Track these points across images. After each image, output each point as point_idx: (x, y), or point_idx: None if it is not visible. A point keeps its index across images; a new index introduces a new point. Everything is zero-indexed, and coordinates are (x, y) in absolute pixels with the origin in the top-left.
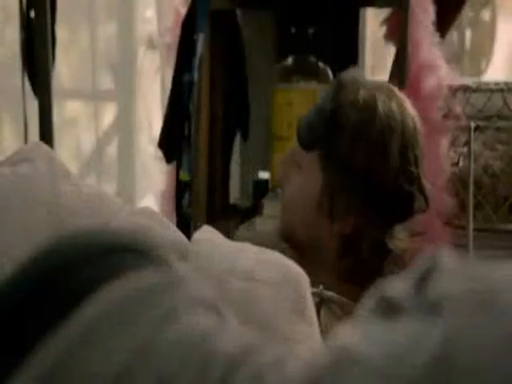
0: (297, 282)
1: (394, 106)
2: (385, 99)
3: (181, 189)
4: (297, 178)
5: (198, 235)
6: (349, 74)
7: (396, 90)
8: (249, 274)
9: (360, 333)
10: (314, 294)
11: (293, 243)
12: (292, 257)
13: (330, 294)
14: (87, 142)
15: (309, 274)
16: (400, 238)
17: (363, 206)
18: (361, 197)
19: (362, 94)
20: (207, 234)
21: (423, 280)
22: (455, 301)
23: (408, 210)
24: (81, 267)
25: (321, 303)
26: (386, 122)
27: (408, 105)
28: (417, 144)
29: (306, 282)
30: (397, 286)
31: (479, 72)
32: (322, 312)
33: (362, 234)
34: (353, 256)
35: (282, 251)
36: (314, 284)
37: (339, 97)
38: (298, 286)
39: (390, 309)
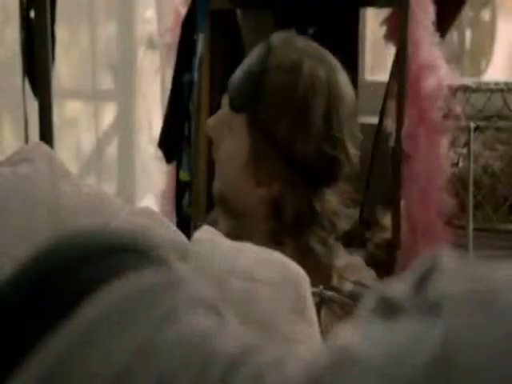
0: (297, 281)
1: (321, 71)
2: (312, 64)
3: (181, 189)
4: (227, 141)
5: (198, 235)
6: (280, 36)
7: (330, 56)
8: (249, 274)
9: (360, 333)
10: (314, 293)
11: (226, 208)
12: (227, 222)
13: (330, 293)
14: (87, 141)
15: (242, 238)
16: (329, 201)
17: (288, 171)
18: (285, 161)
19: (290, 57)
20: (207, 234)
21: (423, 280)
22: (455, 301)
23: (333, 174)
24: (81, 267)
25: (321, 303)
26: (310, 87)
27: (340, 73)
28: (342, 109)
29: (306, 282)
30: (397, 286)
31: (479, 72)
32: (323, 312)
33: (287, 198)
34: (280, 219)
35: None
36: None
37: (267, 59)
38: (298, 286)
39: (390, 309)
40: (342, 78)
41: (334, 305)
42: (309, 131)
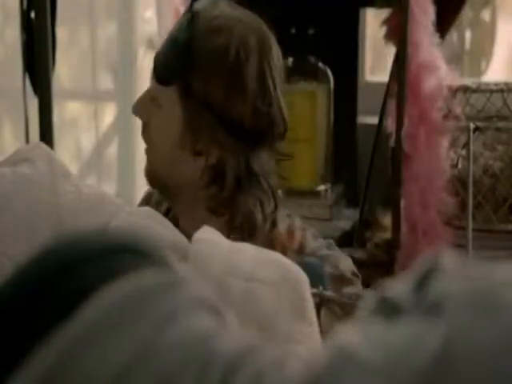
0: (296, 282)
1: (249, 31)
2: (240, 25)
3: None
4: (158, 118)
5: (198, 235)
6: (203, 2)
7: (255, 17)
8: (248, 274)
9: (360, 333)
10: (313, 294)
11: (160, 186)
12: (166, 199)
13: (329, 294)
14: (87, 142)
15: (182, 213)
16: (265, 161)
17: (225, 135)
18: (222, 126)
19: (217, 21)
20: (207, 234)
21: (424, 281)
22: (455, 301)
23: (268, 133)
24: (81, 268)
25: (321, 303)
26: (241, 47)
27: (266, 32)
28: (274, 68)
29: (305, 282)
30: (397, 286)
31: (479, 72)
32: (322, 312)
33: (227, 163)
34: (220, 186)
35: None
36: (186, 223)
37: (193, 26)
38: (298, 286)
39: (390, 309)
40: (269, 36)
41: (334, 305)
42: (244, 93)
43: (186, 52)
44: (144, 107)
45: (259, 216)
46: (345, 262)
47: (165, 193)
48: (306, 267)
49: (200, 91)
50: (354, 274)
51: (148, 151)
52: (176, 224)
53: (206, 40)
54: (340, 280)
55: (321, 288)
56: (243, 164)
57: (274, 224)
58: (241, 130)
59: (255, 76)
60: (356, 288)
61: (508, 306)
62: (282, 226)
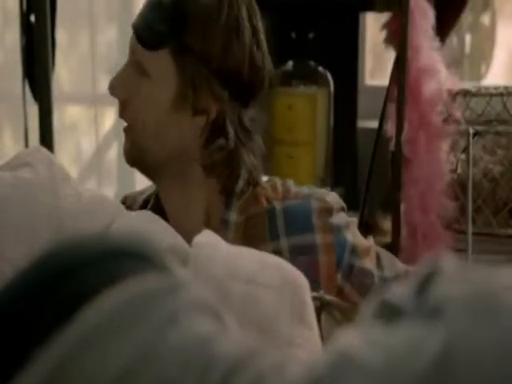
0: (297, 285)
1: None
2: None
3: None
4: (146, 88)
5: (198, 239)
6: None
7: None
8: (249, 278)
9: (361, 337)
10: (314, 298)
11: (144, 165)
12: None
13: (330, 298)
14: (87, 145)
15: (168, 190)
16: (254, 118)
17: (224, 90)
18: (221, 81)
19: None
20: (207, 238)
21: (424, 284)
22: (455, 305)
23: (261, 86)
24: (81, 272)
25: (321, 307)
26: (233, 1)
27: None
28: (259, 19)
29: (306, 286)
30: (398, 290)
31: (479, 76)
32: (323, 316)
33: (226, 117)
34: (224, 139)
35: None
36: (174, 202)
37: None
38: (299, 290)
39: (391, 313)
40: None
41: (335, 309)
42: (242, 44)
43: (177, 11)
44: (123, 84)
45: (253, 171)
46: (331, 196)
47: (149, 172)
48: (291, 210)
49: (197, 48)
50: (341, 208)
51: (130, 128)
52: (160, 211)
53: (208, 23)
54: (328, 211)
55: (320, 292)
56: (238, 119)
57: (257, 180)
58: (238, 83)
59: (249, 28)
60: (344, 217)
61: (508, 310)
62: (263, 182)
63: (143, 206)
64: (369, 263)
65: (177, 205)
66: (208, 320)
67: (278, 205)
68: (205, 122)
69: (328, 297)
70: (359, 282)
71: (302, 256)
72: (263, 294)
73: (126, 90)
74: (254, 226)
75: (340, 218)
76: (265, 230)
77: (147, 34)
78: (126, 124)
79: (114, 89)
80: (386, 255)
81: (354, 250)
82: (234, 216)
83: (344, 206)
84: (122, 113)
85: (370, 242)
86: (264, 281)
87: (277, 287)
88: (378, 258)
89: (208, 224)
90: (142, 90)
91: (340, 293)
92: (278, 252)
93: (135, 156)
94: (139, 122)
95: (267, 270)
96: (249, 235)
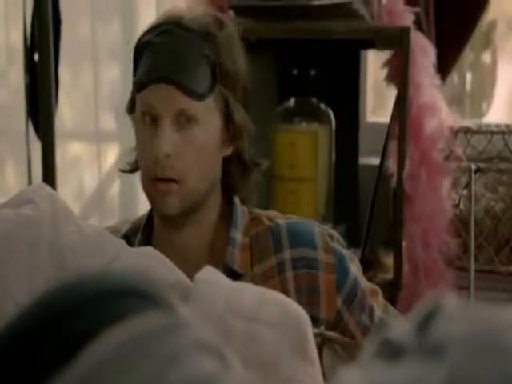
0: (298, 322)
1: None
2: (231, 23)
3: None
4: (197, 134)
5: (199, 275)
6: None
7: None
8: (250, 315)
9: (363, 375)
10: (315, 334)
11: (195, 207)
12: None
13: (331, 333)
14: (90, 182)
15: (198, 229)
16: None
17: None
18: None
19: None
20: (209, 275)
21: (426, 322)
22: (457, 343)
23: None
24: (84, 310)
25: (323, 344)
26: (236, 35)
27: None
28: None
29: (307, 323)
30: (400, 328)
31: (480, 114)
32: (324, 352)
33: (245, 140)
34: (241, 169)
35: None
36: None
37: (210, 39)
38: (300, 327)
39: (392, 351)
40: None
41: (336, 345)
42: (245, 69)
43: (214, 63)
44: (172, 141)
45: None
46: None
47: (195, 211)
48: (294, 226)
49: (231, 90)
50: (342, 243)
51: (179, 181)
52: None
53: (227, 52)
54: (330, 236)
55: (322, 328)
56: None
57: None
58: (248, 96)
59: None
60: (347, 251)
61: (509, 349)
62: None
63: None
64: (372, 302)
65: (192, 232)
66: (210, 359)
67: (280, 221)
68: (230, 151)
69: (329, 333)
70: (359, 316)
71: (303, 268)
72: (265, 331)
73: (173, 144)
74: (259, 243)
75: (342, 248)
76: (268, 245)
77: (195, 86)
78: (167, 180)
79: (165, 148)
80: (392, 309)
81: (357, 284)
82: (240, 235)
83: (344, 243)
84: (167, 170)
85: (378, 289)
86: (265, 318)
87: (278, 324)
88: (386, 306)
89: (214, 243)
90: (192, 138)
91: (339, 318)
92: (281, 263)
93: (186, 207)
94: (191, 172)
95: (268, 306)
96: (254, 253)
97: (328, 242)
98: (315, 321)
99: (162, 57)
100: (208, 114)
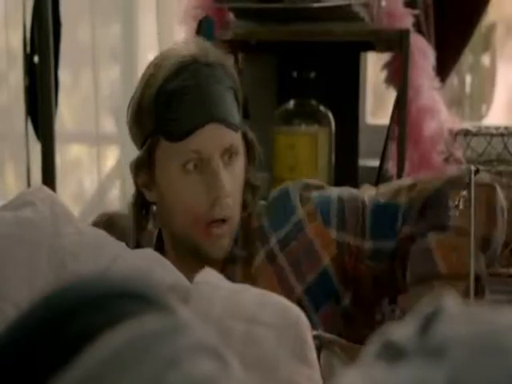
0: (297, 324)
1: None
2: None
3: None
4: (238, 166)
5: (199, 277)
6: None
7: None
8: (250, 317)
9: (364, 377)
10: (313, 337)
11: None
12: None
13: (328, 336)
14: (89, 184)
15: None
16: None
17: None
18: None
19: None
20: (208, 277)
21: (426, 324)
22: (458, 345)
23: None
24: (83, 312)
25: (321, 346)
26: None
27: None
28: None
29: (306, 325)
30: (401, 329)
31: (479, 116)
32: (323, 354)
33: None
34: (247, 190)
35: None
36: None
37: (219, 59)
38: (299, 329)
39: (393, 352)
40: None
41: (334, 347)
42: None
43: (235, 91)
44: (227, 179)
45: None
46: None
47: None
48: (271, 204)
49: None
50: (321, 186)
51: (230, 219)
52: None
53: (237, 78)
54: (306, 188)
55: (319, 330)
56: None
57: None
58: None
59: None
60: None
61: (510, 350)
62: None
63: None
64: (363, 195)
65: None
66: (209, 361)
67: (263, 210)
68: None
69: (327, 335)
70: (354, 225)
71: (292, 242)
72: (264, 333)
73: (229, 183)
74: (250, 249)
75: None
76: (256, 244)
77: (234, 119)
78: (220, 221)
79: (228, 192)
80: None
81: (341, 199)
82: (239, 251)
83: (325, 185)
84: (225, 210)
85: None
86: (265, 320)
87: (277, 326)
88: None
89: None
90: (236, 171)
91: (340, 247)
92: (269, 251)
93: (231, 241)
94: (236, 207)
95: (267, 308)
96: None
97: (303, 194)
98: (324, 273)
99: (200, 98)
100: (240, 143)
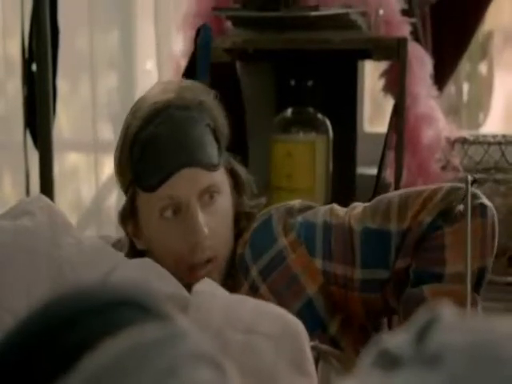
0: (296, 335)
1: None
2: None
3: None
4: (220, 204)
5: (198, 287)
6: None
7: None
8: (249, 327)
9: None
10: (310, 347)
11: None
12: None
13: (325, 347)
14: (87, 192)
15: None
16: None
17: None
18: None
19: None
20: (207, 286)
21: (423, 332)
22: (455, 353)
23: None
24: (82, 321)
25: (318, 357)
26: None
27: None
28: None
29: (305, 335)
30: (397, 338)
31: (477, 125)
32: (320, 366)
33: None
34: (242, 217)
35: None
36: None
37: (204, 95)
38: (298, 339)
39: (389, 361)
40: None
41: (331, 357)
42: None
43: (214, 128)
44: (205, 221)
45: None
46: (293, 201)
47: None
48: (254, 234)
49: (231, 161)
50: (307, 207)
51: (216, 256)
52: None
53: (217, 109)
54: (288, 213)
55: (317, 341)
56: None
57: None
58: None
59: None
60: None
61: (507, 359)
62: None
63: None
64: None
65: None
66: (207, 369)
67: (246, 239)
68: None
69: (324, 346)
70: (341, 250)
71: (273, 271)
72: (263, 343)
73: (208, 224)
74: (234, 279)
75: (304, 212)
76: (239, 274)
77: (212, 158)
78: (207, 258)
79: (206, 235)
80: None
81: (326, 225)
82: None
83: (311, 204)
84: (206, 252)
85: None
86: (263, 330)
87: (276, 336)
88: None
89: None
90: (218, 209)
91: (326, 276)
92: (252, 283)
93: (220, 281)
94: (222, 242)
95: (266, 318)
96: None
97: (286, 221)
98: (309, 303)
99: (173, 145)
100: (223, 180)
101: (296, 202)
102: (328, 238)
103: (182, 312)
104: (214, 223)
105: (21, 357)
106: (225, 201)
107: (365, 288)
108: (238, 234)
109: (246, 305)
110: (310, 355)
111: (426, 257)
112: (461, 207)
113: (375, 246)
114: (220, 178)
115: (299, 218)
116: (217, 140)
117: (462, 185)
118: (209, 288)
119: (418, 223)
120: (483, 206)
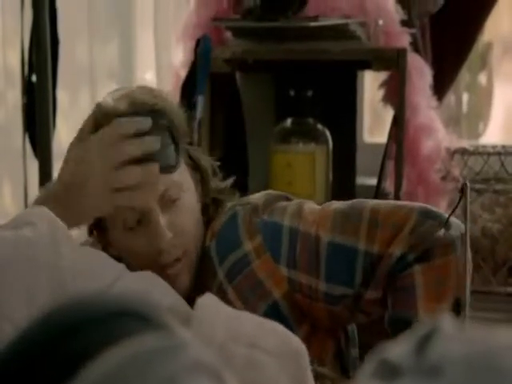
0: (298, 353)
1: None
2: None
3: None
4: (185, 203)
5: (200, 301)
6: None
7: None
8: (252, 341)
9: None
10: None
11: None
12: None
13: (321, 369)
14: None
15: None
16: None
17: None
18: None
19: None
20: (210, 301)
21: (423, 343)
22: (455, 364)
23: None
24: (83, 331)
25: (316, 379)
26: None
27: None
28: None
29: (305, 354)
30: (397, 348)
31: (477, 135)
32: None
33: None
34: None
35: None
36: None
37: (166, 113)
38: (300, 358)
39: (389, 371)
40: None
41: (328, 380)
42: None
43: (171, 129)
44: (167, 223)
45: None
46: (257, 195)
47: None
48: (219, 235)
49: (186, 142)
50: (279, 197)
51: (185, 253)
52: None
53: (177, 111)
54: (254, 211)
55: (314, 365)
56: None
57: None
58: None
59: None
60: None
61: (507, 370)
62: None
63: None
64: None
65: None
66: (208, 380)
67: (213, 239)
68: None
69: (320, 368)
70: (308, 258)
71: (238, 275)
72: (265, 358)
73: (172, 225)
74: (203, 283)
75: (269, 212)
76: (208, 278)
77: (169, 160)
78: (175, 257)
79: (169, 237)
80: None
81: (293, 231)
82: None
83: (279, 195)
84: (172, 252)
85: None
86: (266, 346)
87: (278, 353)
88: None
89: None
90: (181, 207)
91: (292, 284)
92: (219, 285)
93: (193, 274)
94: (190, 238)
95: (267, 334)
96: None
97: (251, 223)
98: (275, 305)
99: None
100: (184, 176)
101: (261, 199)
102: (293, 245)
103: (183, 324)
104: (179, 221)
105: (23, 365)
106: (189, 197)
107: (329, 301)
108: (207, 221)
109: (249, 320)
110: (310, 375)
111: (398, 298)
112: (441, 232)
113: (341, 261)
114: (180, 176)
115: (265, 217)
116: (173, 139)
117: (434, 208)
118: (212, 302)
119: (388, 255)
120: (453, 240)
